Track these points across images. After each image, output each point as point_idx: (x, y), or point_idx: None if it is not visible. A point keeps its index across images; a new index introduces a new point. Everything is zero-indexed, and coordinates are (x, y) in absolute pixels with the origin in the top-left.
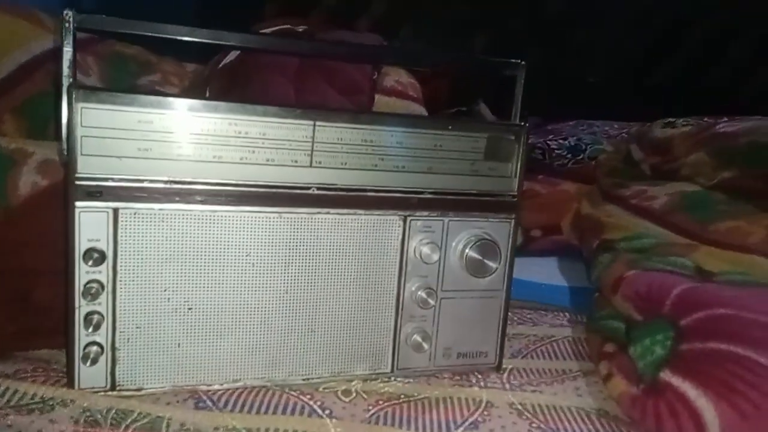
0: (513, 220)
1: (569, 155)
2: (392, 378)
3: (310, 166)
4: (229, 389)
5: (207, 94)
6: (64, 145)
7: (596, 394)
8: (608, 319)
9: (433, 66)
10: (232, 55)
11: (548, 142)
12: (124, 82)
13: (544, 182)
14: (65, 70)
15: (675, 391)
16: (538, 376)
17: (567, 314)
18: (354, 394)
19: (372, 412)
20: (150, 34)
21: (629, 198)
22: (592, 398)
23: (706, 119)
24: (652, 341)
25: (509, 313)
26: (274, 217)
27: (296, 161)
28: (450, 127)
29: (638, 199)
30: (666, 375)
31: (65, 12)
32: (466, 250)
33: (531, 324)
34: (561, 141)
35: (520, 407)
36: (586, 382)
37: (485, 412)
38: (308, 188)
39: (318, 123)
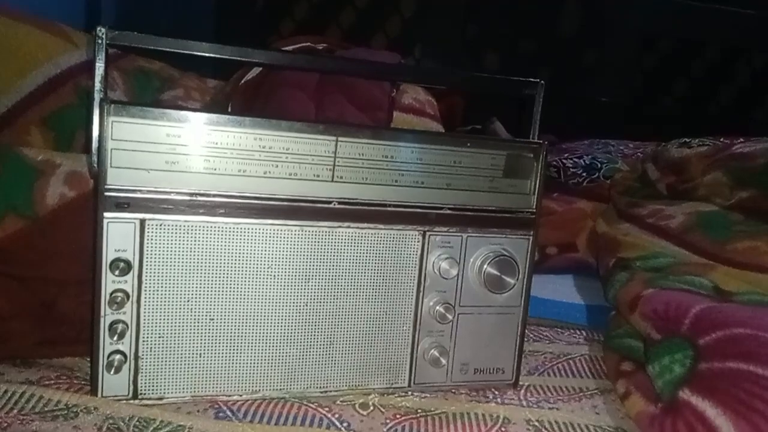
0: (531, 237)
1: (584, 174)
2: (409, 392)
3: (332, 180)
4: (248, 400)
5: (229, 110)
6: (95, 158)
7: (614, 413)
8: (625, 337)
9: (451, 85)
10: (254, 72)
11: (563, 160)
12: (147, 96)
13: (560, 200)
14: (97, 85)
15: (694, 410)
16: (555, 393)
17: (583, 332)
18: (371, 408)
19: (389, 425)
20: (179, 51)
21: (646, 217)
22: (610, 416)
23: (722, 140)
24: (671, 360)
25: (526, 330)
26: (295, 231)
27: (318, 176)
28: (469, 144)
29: (655, 218)
30: (685, 394)
31: (98, 29)
32: (485, 266)
33: (547, 341)
34: (576, 159)
35: (537, 424)
36: (603, 400)
37: (502, 429)
38: (329, 202)
39: (340, 139)
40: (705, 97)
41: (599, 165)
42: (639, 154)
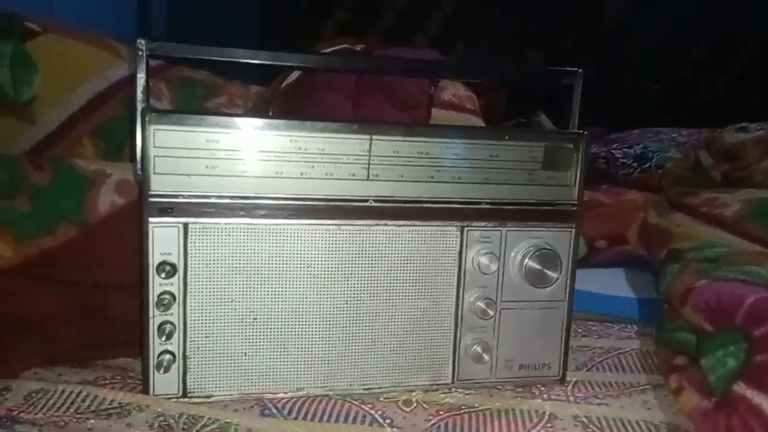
0: (573, 229)
1: (635, 164)
2: (453, 389)
3: (368, 179)
4: (292, 398)
5: (270, 114)
6: (139, 165)
7: (666, 408)
8: (678, 331)
9: (488, 78)
10: (293, 76)
11: (612, 151)
12: (192, 105)
13: (608, 192)
14: (139, 95)
15: (749, 404)
16: (605, 389)
17: (635, 326)
18: (414, 404)
19: (433, 422)
20: (216, 58)
21: (699, 206)
22: (662, 412)
23: None
24: (724, 353)
25: (573, 325)
26: (333, 230)
27: (354, 175)
28: (506, 138)
29: (708, 207)
30: (740, 387)
31: (138, 40)
32: (526, 260)
33: (596, 336)
34: (626, 150)
35: (585, 420)
36: (655, 396)
37: (549, 425)
38: (366, 201)
39: (374, 137)
40: (748, 87)
41: (650, 155)
42: (693, 141)
